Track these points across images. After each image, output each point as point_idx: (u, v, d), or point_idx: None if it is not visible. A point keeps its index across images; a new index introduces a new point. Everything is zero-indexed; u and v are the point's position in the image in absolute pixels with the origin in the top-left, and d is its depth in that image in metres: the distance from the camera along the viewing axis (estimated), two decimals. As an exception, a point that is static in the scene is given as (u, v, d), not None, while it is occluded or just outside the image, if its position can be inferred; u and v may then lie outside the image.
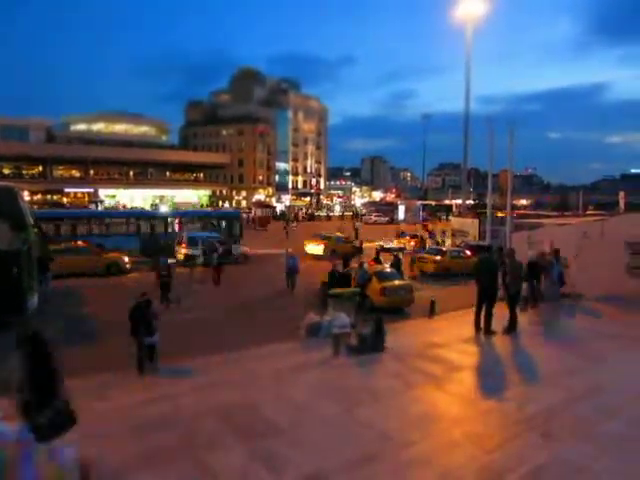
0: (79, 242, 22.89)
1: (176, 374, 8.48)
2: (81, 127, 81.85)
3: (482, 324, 10.39)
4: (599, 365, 8.53)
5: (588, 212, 64.15)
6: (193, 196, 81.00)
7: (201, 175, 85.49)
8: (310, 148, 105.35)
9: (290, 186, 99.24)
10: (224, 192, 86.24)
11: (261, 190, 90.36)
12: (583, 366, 8.40)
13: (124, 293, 13.51)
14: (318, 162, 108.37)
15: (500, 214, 33.32)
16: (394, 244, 32.80)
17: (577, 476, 4.84)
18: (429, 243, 32.59)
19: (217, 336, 11.74)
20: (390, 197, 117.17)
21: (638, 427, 5.90)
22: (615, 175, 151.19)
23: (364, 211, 77.78)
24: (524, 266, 11.84)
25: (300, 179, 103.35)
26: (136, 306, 8.77)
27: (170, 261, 18.14)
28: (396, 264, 19.51)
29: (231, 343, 10.58)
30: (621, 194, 63.58)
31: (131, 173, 75.93)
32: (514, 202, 36.84)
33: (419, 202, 76.62)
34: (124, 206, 60.66)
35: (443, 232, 36.27)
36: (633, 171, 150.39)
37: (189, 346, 10.37)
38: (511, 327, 10.44)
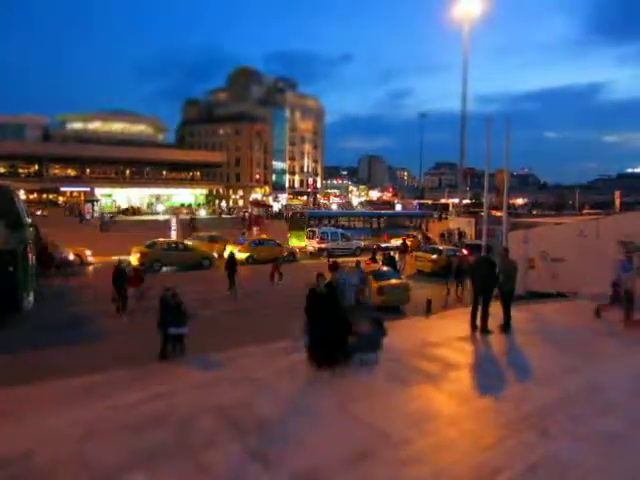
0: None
1: (171, 372, 8.46)
2: (77, 126, 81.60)
3: (478, 323, 10.42)
4: (594, 364, 8.57)
5: (584, 211, 64.41)
6: (189, 195, 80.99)
7: (198, 174, 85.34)
8: (307, 147, 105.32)
9: (287, 185, 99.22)
10: (221, 191, 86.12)
11: (258, 189, 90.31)
12: (578, 365, 8.43)
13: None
14: (315, 161, 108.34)
15: (495, 213, 33.39)
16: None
17: (571, 474, 4.86)
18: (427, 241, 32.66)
19: (215, 334, 11.74)
20: (387, 196, 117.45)
21: (633, 426, 5.93)
22: (611, 175, 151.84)
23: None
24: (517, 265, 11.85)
25: (297, 178, 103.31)
26: (162, 297, 9.12)
27: None
28: (390, 261, 19.55)
29: (227, 341, 10.57)
30: (617, 193, 63.93)
31: (127, 172, 75.74)
32: (510, 201, 36.91)
33: (416, 201, 76.87)
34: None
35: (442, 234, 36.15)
36: (629, 170, 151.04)
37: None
38: (506, 325, 10.48)
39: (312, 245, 30.02)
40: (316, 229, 30.86)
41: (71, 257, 21.68)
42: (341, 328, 7.55)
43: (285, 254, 26.96)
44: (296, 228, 32.87)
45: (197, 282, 19.22)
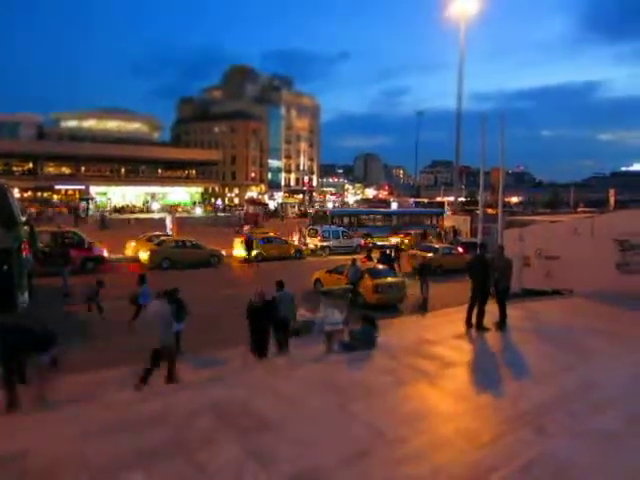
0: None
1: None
2: (72, 124, 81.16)
3: (474, 321, 10.45)
4: (591, 361, 8.61)
5: (579, 209, 64.70)
6: (185, 193, 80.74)
7: (193, 172, 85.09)
8: (303, 145, 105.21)
9: (283, 183, 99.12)
10: (216, 189, 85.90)
11: (254, 187, 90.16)
12: (575, 362, 8.47)
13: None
14: (311, 159, 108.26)
15: (491, 211, 33.47)
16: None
17: (567, 472, 4.88)
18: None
19: (212, 333, 11.74)
20: (383, 194, 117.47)
21: (629, 423, 5.96)
22: (605, 173, 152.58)
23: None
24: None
25: (293, 176, 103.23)
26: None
27: None
28: (386, 259, 19.58)
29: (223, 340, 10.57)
30: (611, 191, 64.24)
31: (122, 170, 75.34)
32: (505, 199, 37.08)
33: (412, 199, 76.94)
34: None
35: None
36: (623, 169, 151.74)
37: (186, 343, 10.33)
38: (501, 323, 10.52)
39: (314, 243, 30.67)
40: (318, 227, 31.99)
41: (105, 253, 22.22)
42: (266, 332, 9.61)
43: (292, 252, 27.37)
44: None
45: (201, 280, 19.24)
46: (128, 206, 66.78)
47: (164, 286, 9.99)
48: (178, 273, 20.86)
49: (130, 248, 24.91)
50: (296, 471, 4.81)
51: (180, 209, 60.65)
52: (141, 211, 63.37)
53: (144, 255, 22.85)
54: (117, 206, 65.98)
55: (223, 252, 25.51)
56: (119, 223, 43.28)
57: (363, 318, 9.61)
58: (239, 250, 26.44)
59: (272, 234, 30.29)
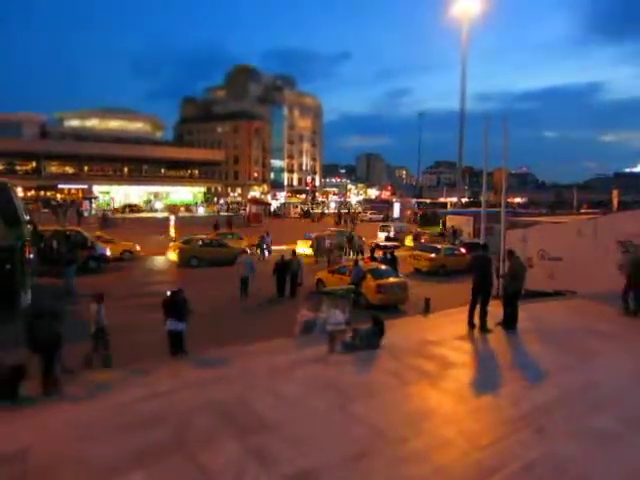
0: None
1: (169, 371, 8.47)
2: (75, 123, 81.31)
3: (476, 321, 10.42)
4: (592, 362, 8.59)
5: (582, 210, 64.48)
6: (188, 193, 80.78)
7: (196, 172, 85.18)
8: (305, 145, 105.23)
9: (285, 183, 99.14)
10: (219, 189, 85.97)
11: (256, 187, 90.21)
12: (576, 363, 8.45)
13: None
14: (313, 159, 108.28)
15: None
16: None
17: (568, 472, 4.87)
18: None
19: (210, 332, 11.74)
20: (385, 195, 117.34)
21: (631, 424, 5.94)
22: (608, 174, 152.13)
23: (359, 209, 77.58)
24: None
25: (295, 176, 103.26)
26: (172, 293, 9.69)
27: None
28: (390, 260, 19.52)
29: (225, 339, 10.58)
30: (614, 192, 63.93)
31: (125, 169, 75.51)
32: (508, 200, 37.13)
33: (414, 200, 76.79)
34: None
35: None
36: (626, 170, 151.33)
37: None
38: (509, 324, 10.46)
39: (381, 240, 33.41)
40: (391, 225, 37.40)
41: (107, 252, 22.67)
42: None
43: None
44: (429, 224, 39.28)
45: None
46: (131, 205, 66.67)
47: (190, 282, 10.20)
48: (204, 270, 22.39)
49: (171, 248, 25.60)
50: (296, 471, 4.81)
51: (182, 209, 60.54)
52: (140, 211, 63.21)
53: (173, 254, 24.10)
54: (113, 207, 65.26)
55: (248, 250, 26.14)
56: (121, 222, 43.30)
57: (373, 319, 9.58)
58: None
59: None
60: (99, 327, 8.99)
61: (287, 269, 17.68)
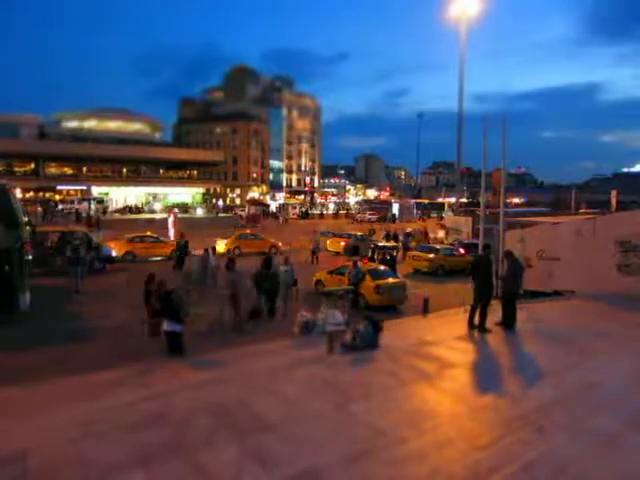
0: None
1: (169, 372, 8.45)
2: (73, 124, 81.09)
3: (476, 321, 10.44)
4: (591, 362, 8.60)
5: (581, 210, 64.54)
6: (187, 194, 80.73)
7: (195, 173, 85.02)
8: (304, 146, 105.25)
9: (284, 184, 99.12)
10: (218, 190, 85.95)
11: (255, 188, 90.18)
12: (576, 363, 8.46)
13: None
14: (312, 160, 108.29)
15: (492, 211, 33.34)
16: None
17: (568, 472, 4.88)
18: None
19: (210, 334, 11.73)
20: (384, 195, 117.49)
21: (630, 424, 5.95)
22: (606, 174, 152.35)
23: (359, 209, 77.63)
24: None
25: (294, 177, 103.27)
26: (167, 293, 9.82)
27: None
28: (388, 261, 19.53)
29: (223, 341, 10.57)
30: (613, 193, 64.02)
31: (124, 170, 75.30)
32: (507, 200, 37.16)
33: (413, 200, 76.89)
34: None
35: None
36: (624, 170, 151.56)
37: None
38: (508, 324, 10.48)
39: None
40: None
41: (113, 253, 22.96)
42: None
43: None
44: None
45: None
46: (130, 206, 66.49)
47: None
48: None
49: (220, 244, 27.86)
50: (296, 471, 4.81)
51: (177, 210, 60.38)
52: (139, 211, 63.00)
53: (222, 244, 27.59)
54: (107, 208, 64.64)
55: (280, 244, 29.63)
56: (116, 224, 43.06)
57: (367, 319, 9.58)
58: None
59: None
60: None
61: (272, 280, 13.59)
